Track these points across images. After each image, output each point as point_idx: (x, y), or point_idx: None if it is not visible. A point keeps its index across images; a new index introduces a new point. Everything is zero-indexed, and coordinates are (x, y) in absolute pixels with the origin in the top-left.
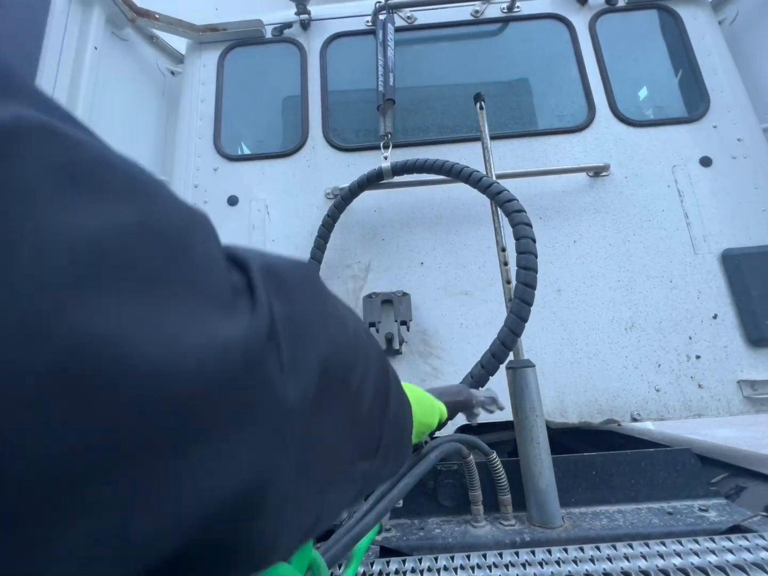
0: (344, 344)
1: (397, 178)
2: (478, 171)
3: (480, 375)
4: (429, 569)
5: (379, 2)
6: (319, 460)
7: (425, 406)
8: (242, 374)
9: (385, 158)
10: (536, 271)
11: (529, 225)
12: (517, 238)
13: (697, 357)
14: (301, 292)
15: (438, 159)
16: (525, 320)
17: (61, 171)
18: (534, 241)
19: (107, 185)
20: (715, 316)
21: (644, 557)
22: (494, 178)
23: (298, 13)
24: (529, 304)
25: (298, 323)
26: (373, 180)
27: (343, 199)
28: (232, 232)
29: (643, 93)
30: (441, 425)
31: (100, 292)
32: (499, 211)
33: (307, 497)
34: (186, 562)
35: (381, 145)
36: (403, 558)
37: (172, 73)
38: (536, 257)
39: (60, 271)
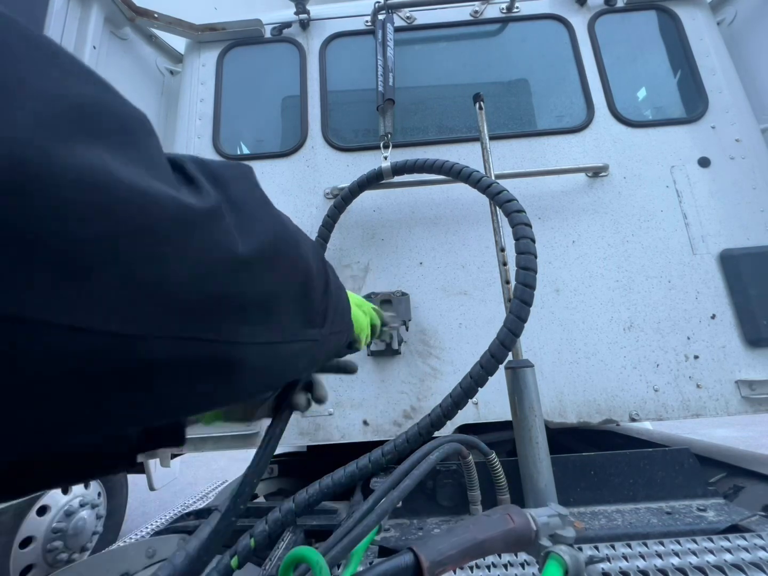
0: (285, 226)
1: (396, 178)
2: (477, 171)
3: (479, 375)
4: None
5: (378, 2)
6: (275, 315)
7: (357, 299)
8: (202, 219)
9: (385, 158)
10: (536, 272)
11: (529, 225)
12: (517, 239)
13: (696, 357)
14: (236, 185)
15: (438, 159)
16: (524, 321)
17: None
18: (533, 241)
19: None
20: (713, 317)
21: (642, 557)
22: (493, 178)
23: (297, 13)
24: (529, 304)
25: (239, 205)
26: (373, 180)
27: (343, 200)
28: None
29: (641, 93)
30: (380, 329)
31: (87, 140)
32: (499, 211)
33: (268, 342)
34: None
35: (381, 145)
36: None
37: (171, 72)
38: (536, 257)
39: (57, 120)
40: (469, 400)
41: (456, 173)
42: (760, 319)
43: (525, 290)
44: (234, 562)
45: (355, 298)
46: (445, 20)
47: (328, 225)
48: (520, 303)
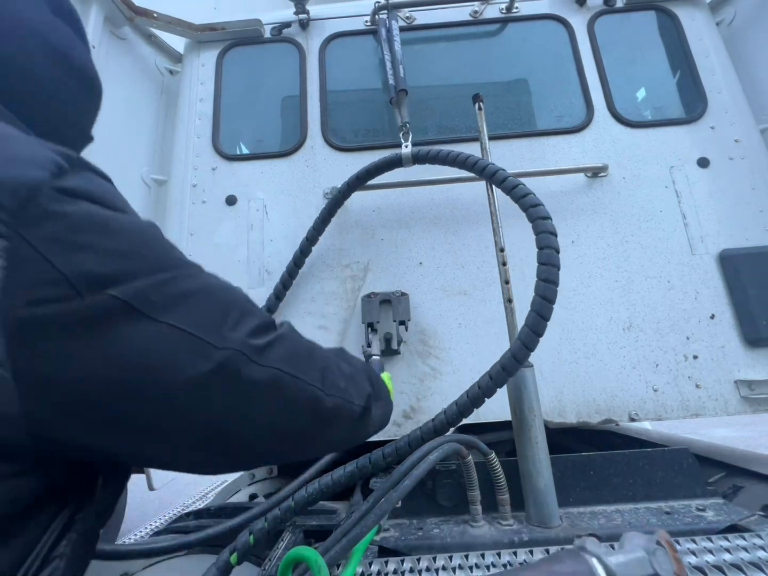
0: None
1: (396, 178)
2: (503, 170)
3: (488, 386)
4: (427, 569)
5: (378, 2)
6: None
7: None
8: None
9: (406, 146)
10: (557, 285)
11: (554, 234)
12: (540, 248)
13: (695, 357)
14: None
15: (462, 152)
16: (539, 335)
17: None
18: (558, 251)
19: None
20: (712, 317)
21: None
22: None
23: (297, 13)
24: (546, 319)
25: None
26: (391, 165)
27: (357, 178)
28: (231, 231)
29: (641, 94)
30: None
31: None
32: (499, 211)
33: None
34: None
35: (400, 135)
36: (402, 558)
37: (171, 72)
38: (558, 269)
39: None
40: (475, 410)
41: (480, 170)
42: (759, 319)
43: (544, 304)
44: (233, 558)
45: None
46: (445, 20)
47: (337, 200)
48: (537, 317)
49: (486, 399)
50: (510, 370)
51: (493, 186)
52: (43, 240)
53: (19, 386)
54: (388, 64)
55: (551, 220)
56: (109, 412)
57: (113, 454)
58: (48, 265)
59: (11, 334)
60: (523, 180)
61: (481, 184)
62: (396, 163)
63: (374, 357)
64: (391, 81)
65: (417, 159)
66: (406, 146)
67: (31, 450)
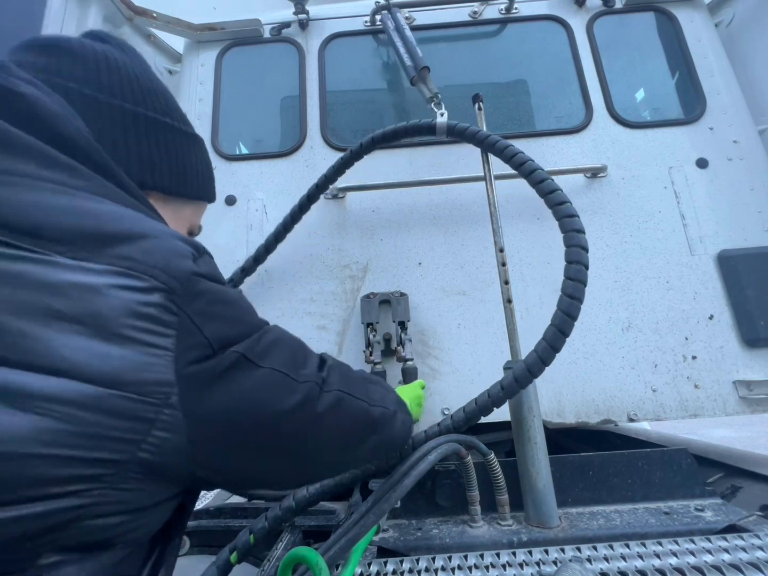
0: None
1: (396, 178)
2: (542, 170)
3: (498, 396)
4: (426, 569)
5: (378, 2)
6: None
7: (413, 395)
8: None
9: (441, 115)
10: (581, 302)
11: (586, 249)
12: (569, 262)
13: (694, 357)
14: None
15: (502, 140)
16: (557, 350)
17: None
18: (587, 267)
19: None
20: (711, 317)
21: (641, 557)
22: (493, 179)
23: (296, 13)
24: (566, 335)
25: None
26: (423, 131)
27: (383, 137)
28: (230, 231)
29: (640, 95)
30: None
31: None
32: (498, 212)
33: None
34: None
35: (431, 105)
36: (401, 558)
37: (170, 72)
38: (585, 286)
39: None
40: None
41: (517, 164)
42: (757, 319)
43: (566, 320)
44: (233, 557)
45: (412, 395)
46: (444, 21)
47: (356, 154)
48: (556, 332)
49: (495, 408)
50: (523, 382)
51: (494, 186)
52: (195, 314)
53: (187, 424)
54: (402, 49)
55: (585, 233)
56: (238, 439)
57: (236, 476)
58: (200, 333)
59: (182, 387)
60: (523, 180)
61: (481, 185)
62: (428, 130)
63: (408, 362)
64: (408, 62)
65: (452, 132)
66: (442, 114)
67: (186, 476)
